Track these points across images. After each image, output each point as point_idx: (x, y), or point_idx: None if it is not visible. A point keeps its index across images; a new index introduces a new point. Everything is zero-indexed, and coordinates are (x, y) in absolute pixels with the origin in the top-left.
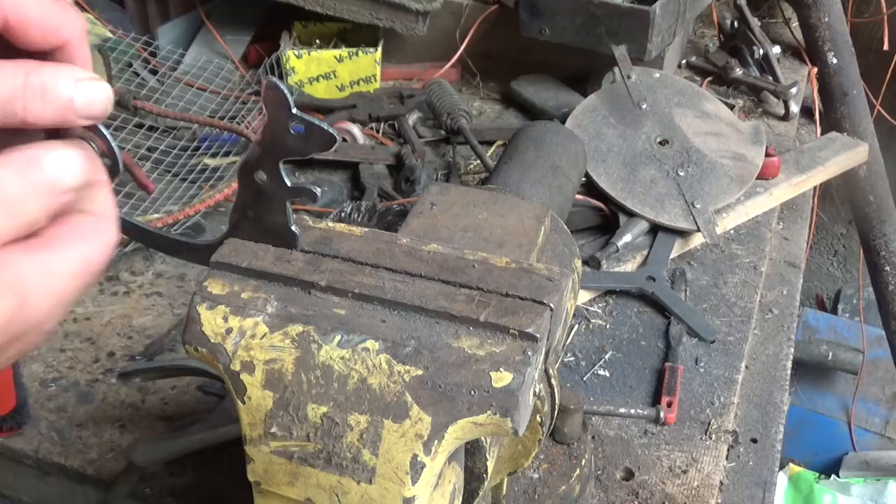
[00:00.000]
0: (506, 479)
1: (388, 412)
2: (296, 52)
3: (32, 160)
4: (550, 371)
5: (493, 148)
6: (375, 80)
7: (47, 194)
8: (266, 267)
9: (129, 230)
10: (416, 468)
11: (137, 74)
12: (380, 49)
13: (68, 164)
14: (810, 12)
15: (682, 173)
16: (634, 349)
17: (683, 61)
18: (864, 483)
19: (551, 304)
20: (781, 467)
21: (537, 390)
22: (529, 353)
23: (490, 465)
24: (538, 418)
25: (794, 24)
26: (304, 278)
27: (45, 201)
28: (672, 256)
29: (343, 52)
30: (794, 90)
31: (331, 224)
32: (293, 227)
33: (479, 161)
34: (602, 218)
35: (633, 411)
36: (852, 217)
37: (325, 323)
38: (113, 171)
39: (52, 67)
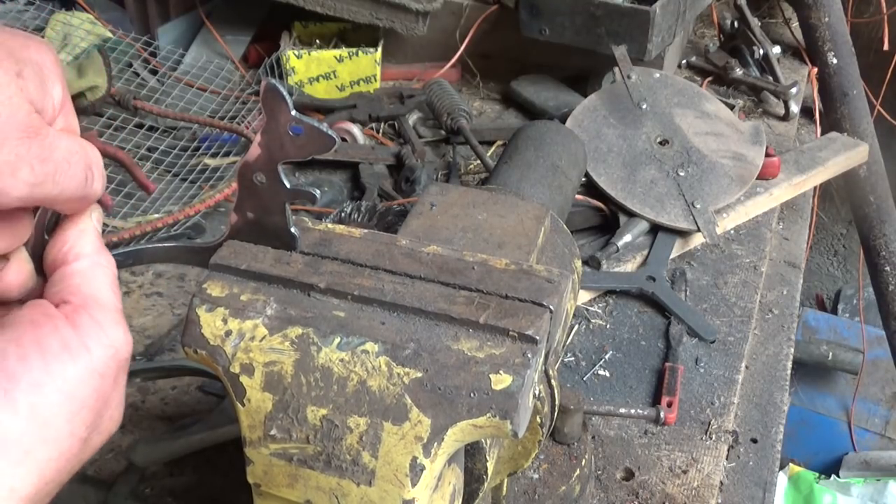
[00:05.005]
0: (506, 480)
1: (388, 414)
2: (296, 52)
3: None
4: (550, 372)
5: (493, 148)
6: (375, 80)
7: None
8: (265, 269)
9: (122, 259)
10: (416, 470)
11: (137, 74)
12: (380, 49)
13: None
14: (810, 12)
15: (682, 173)
16: (634, 349)
17: (683, 61)
18: (864, 483)
19: (551, 306)
20: (781, 467)
21: (537, 392)
22: (529, 355)
23: (490, 466)
24: (538, 419)
25: (794, 24)
26: (304, 280)
27: None
28: (672, 256)
29: (343, 52)
30: (794, 90)
31: (330, 226)
32: (292, 229)
33: (479, 161)
34: (602, 218)
35: (633, 411)
36: (852, 217)
37: (324, 325)
38: None
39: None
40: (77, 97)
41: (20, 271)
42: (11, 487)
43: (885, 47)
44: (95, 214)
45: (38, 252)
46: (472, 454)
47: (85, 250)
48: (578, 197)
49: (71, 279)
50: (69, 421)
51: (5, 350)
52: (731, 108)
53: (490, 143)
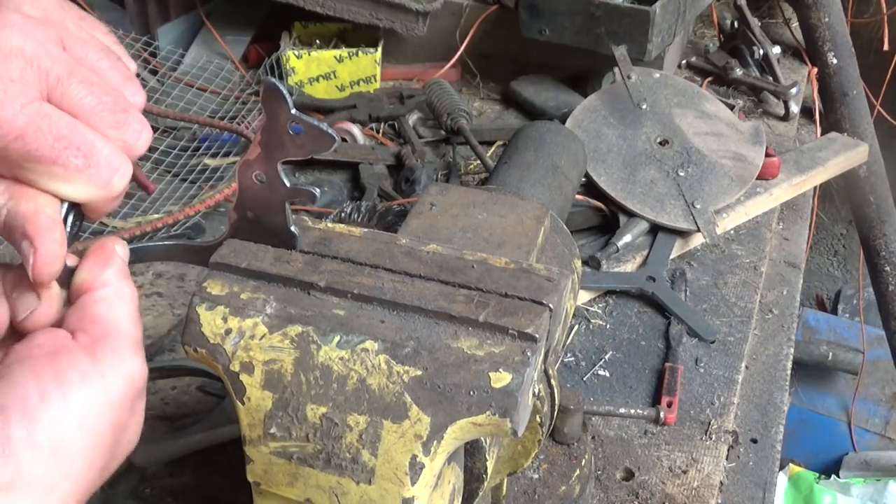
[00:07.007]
0: (506, 480)
1: (388, 413)
2: (296, 53)
3: None
4: (550, 371)
5: (493, 148)
6: (375, 80)
7: None
8: (265, 268)
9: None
10: (416, 469)
11: (137, 74)
12: (380, 49)
13: None
14: (810, 12)
15: (682, 173)
16: (634, 349)
17: (683, 61)
18: (864, 483)
19: (550, 305)
20: (781, 467)
21: (537, 391)
22: (528, 353)
23: (490, 465)
24: (538, 419)
25: (794, 24)
26: (304, 279)
27: None
28: (672, 256)
29: (343, 52)
30: (794, 90)
31: (330, 225)
32: (292, 228)
33: (479, 161)
34: (602, 218)
35: (633, 411)
36: (852, 217)
37: (324, 323)
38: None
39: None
40: None
41: (51, 308)
42: None
43: (885, 47)
44: (120, 247)
45: (63, 280)
46: (471, 453)
47: (109, 279)
48: (578, 197)
49: (93, 307)
50: (89, 454)
51: (25, 386)
52: (731, 108)
53: (490, 143)
